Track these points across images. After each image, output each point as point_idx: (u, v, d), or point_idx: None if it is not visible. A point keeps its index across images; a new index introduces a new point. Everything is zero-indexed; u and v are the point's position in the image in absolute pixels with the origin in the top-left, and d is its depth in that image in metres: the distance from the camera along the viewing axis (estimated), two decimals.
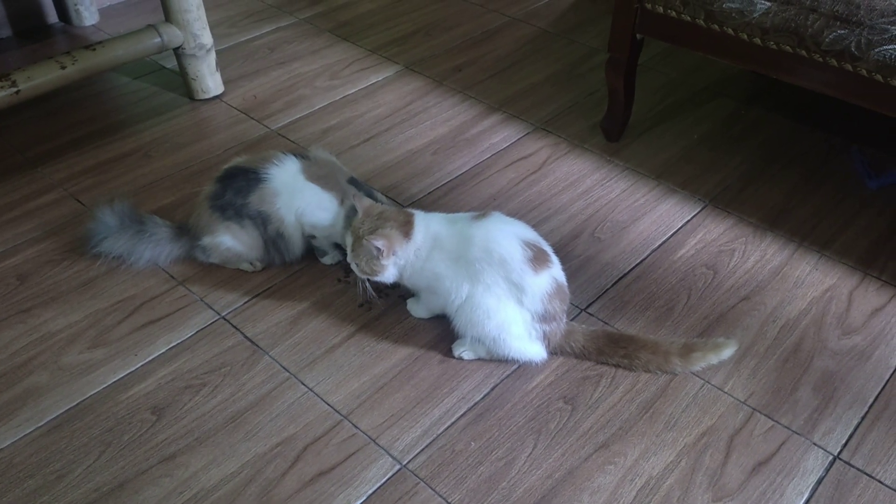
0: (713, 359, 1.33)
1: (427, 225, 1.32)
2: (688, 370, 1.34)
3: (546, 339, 1.31)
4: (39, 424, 1.26)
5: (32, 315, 1.45)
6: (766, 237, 1.63)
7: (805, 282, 1.53)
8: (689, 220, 1.68)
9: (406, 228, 1.30)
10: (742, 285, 1.52)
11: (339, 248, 1.54)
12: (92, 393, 1.32)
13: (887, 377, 1.35)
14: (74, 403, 1.30)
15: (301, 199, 1.45)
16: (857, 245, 1.61)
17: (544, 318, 1.29)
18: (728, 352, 1.34)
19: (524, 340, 1.30)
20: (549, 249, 1.33)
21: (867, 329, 1.44)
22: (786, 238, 1.63)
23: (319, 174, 1.46)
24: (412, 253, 1.30)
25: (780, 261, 1.58)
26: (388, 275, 1.31)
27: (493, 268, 1.27)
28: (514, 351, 1.31)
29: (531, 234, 1.33)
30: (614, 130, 1.89)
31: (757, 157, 1.85)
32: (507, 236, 1.29)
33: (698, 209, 1.70)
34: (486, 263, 1.27)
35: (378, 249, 1.26)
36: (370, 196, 1.45)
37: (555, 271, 1.30)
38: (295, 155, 1.49)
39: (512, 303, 1.28)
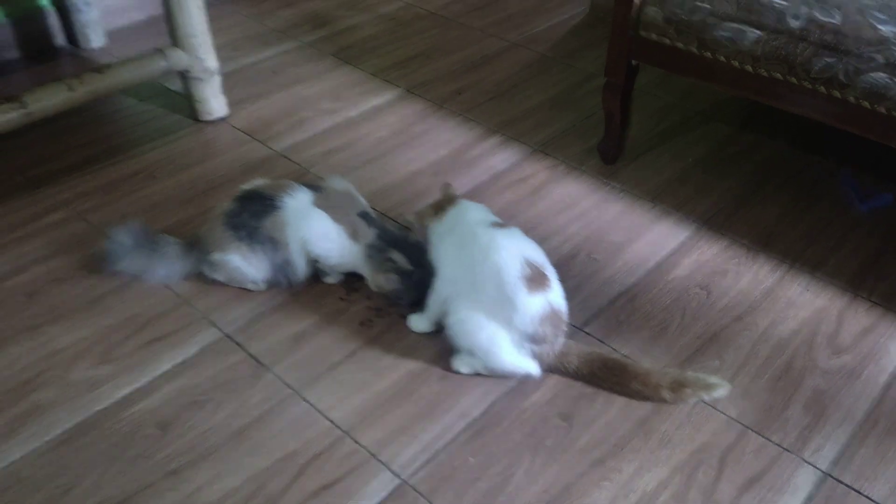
0: (704, 396, 1.34)
1: (459, 212, 1.45)
2: (678, 403, 1.36)
3: (538, 358, 1.34)
4: (46, 439, 1.29)
5: (40, 332, 1.48)
6: (758, 258, 1.67)
7: (796, 302, 1.57)
8: (683, 242, 1.72)
9: (442, 210, 1.46)
10: (735, 305, 1.56)
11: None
12: (98, 408, 1.34)
13: (876, 395, 1.38)
14: (81, 419, 1.32)
15: (307, 230, 1.48)
16: (847, 266, 1.65)
17: (534, 338, 1.32)
18: (720, 392, 1.33)
19: (514, 355, 1.33)
20: (551, 275, 1.36)
21: (857, 348, 1.47)
22: (778, 259, 1.66)
23: (330, 205, 1.49)
24: (437, 231, 1.45)
25: (771, 281, 1.61)
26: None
27: (487, 275, 1.31)
28: (507, 364, 1.34)
29: (538, 257, 1.36)
30: (610, 153, 1.93)
31: (750, 180, 1.89)
32: (509, 249, 1.33)
33: (692, 231, 1.74)
34: (482, 268, 1.32)
35: (414, 219, 1.51)
36: (382, 229, 1.48)
37: (552, 296, 1.33)
38: (309, 187, 1.53)
39: (497, 316, 1.31)
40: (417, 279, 1.45)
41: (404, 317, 1.51)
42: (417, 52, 2.45)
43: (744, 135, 2.06)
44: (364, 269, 1.49)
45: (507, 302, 1.30)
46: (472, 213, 1.45)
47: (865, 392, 1.39)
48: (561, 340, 1.36)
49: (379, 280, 1.45)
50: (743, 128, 2.09)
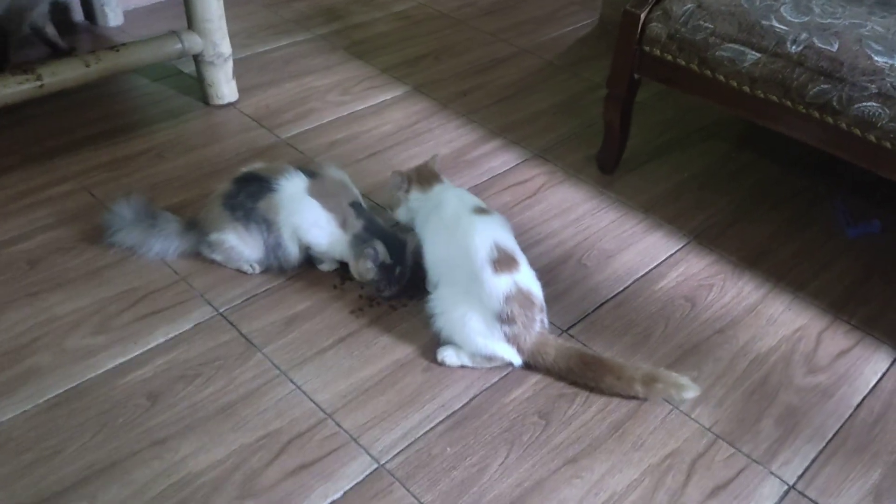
0: (674, 393, 1.38)
1: (444, 191, 1.55)
2: (649, 398, 1.40)
3: (512, 342, 1.39)
4: (39, 402, 1.33)
5: (40, 298, 1.52)
6: (744, 275, 1.70)
7: (777, 320, 1.60)
8: (672, 254, 1.75)
9: (428, 184, 1.56)
10: (717, 319, 1.60)
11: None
12: (91, 376, 1.38)
13: (847, 415, 1.42)
14: (74, 384, 1.36)
15: (299, 216, 1.52)
16: (831, 289, 1.68)
17: (501, 318, 1.37)
18: (690, 393, 1.37)
19: (487, 337, 1.38)
20: (521, 260, 1.43)
21: (832, 369, 1.50)
22: (763, 277, 1.70)
23: (323, 192, 1.53)
24: (421, 204, 1.55)
25: (755, 298, 1.65)
26: (401, 212, 1.59)
27: (462, 256, 1.40)
28: (481, 345, 1.39)
29: (509, 244, 1.44)
30: (609, 163, 1.97)
31: (744, 199, 1.93)
32: (483, 233, 1.42)
33: (683, 244, 1.78)
34: (456, 248, 1.42)
35: (401, 179, 1.55)
36: (370, 221, 1.52)
37: (518, 277, 1.39)
38: (305, 172, 1.56)
39: (471, 295, 1.39)
40: (399, 274, 1.49)
41: (395, 308, 1.55)
42: (427, 51, 2.49)
43: (742, 154, 2.10)
44: (348, 258, 1.53)
45: (475, 281, 1.37)
46: (459, 197, 1.53)
47: (837, 411, 1.42)
48: (536, 327, 1.41)
49: (359, 268, 1.49)
50: (742, 147, 2.13)
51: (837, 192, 1.96)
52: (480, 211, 1.50)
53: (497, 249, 1.40)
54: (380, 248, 1.47)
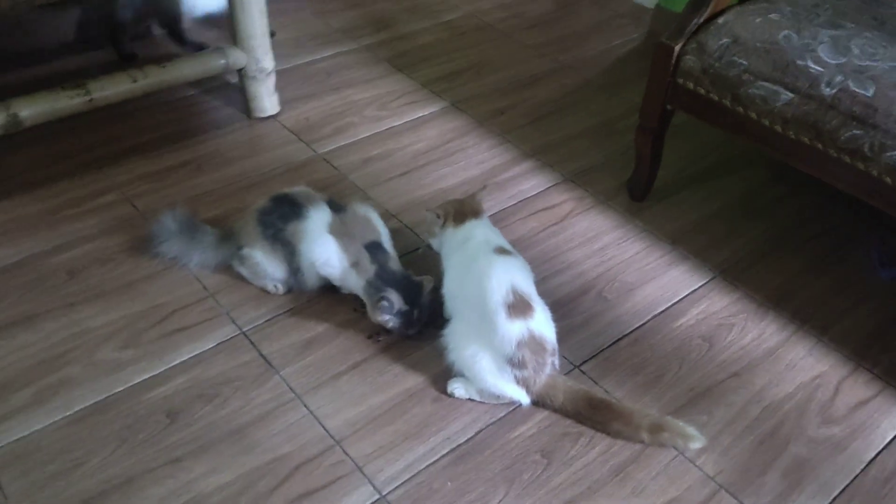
0: (680, 443, 1.39)
1: (475, 227, 1.54)
2: (654, 445, 1.41)
3: (521, 384, 1.41)
4: (67, 413, 1.41)
5: (76, 310, 1.61)
6: (767, 316, 1.68)
7: (797, 365, 1.58)
8: (695, 290, 1.74)
9: (463, 218, 1.55)
10: (734, 361, 1.58)
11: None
12: (118, 390, 1.46)
13: (857, 471, 1.40)
14: (101, 398, 1.44)
15: (315, 251, 1.56)
16: (854, 334, 1.65)
17: (513, 362, 1.38)
18: (696, 444, 1.38)
19: (497, 377, 1.40)
20: (537, 305, 1.42)
21: (848, 420, 1.48)
22: (787, 319, 1.68)
23: (343, 231, 1.57)
24: (452, 237, 1.55)
25: (776, 341, 1.63)
26: (434, 242, 1.61)
27: (477, 296, 1.41)
28: (490, 384, 1.41)
29: (527, 288, 1.43)
30: (639, 191, 1.96)
31: (774, 234, 1.90)
32: (500, 276, 1.41)
33: (707, 279, 1.76)
34: (472, 287, 1.42)
35: (437, 217, 1.57)
36: (382, 266, 1.54)
37: (533, 324, 1.39)
38: (333, 206, 1.60)
39: (483, 335, 1.40)
40: (417, 317, 1.53)
41: (410, 336, 1.58)
42: (468, 65, 2.50)
43: (777, 186, 2.06)
44: (365, 301, 1.57)
45: (488, 323, 1.38)
46: (485, 235, 1.54)
47: (848, 466, 1.40)
48: (546, 370, 1.42)
49: (377, 318, 1.53)
50: (780, 175, 2.08)
51: (875, 230, 1.91)
52: (502, 251, 1.49)
53: (513, 294, 1.39)
54: (394, 297, 1.50)
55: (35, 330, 1.56)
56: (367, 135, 2.17)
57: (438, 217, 1.57)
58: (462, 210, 1.58)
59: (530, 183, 2.03)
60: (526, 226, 1.89)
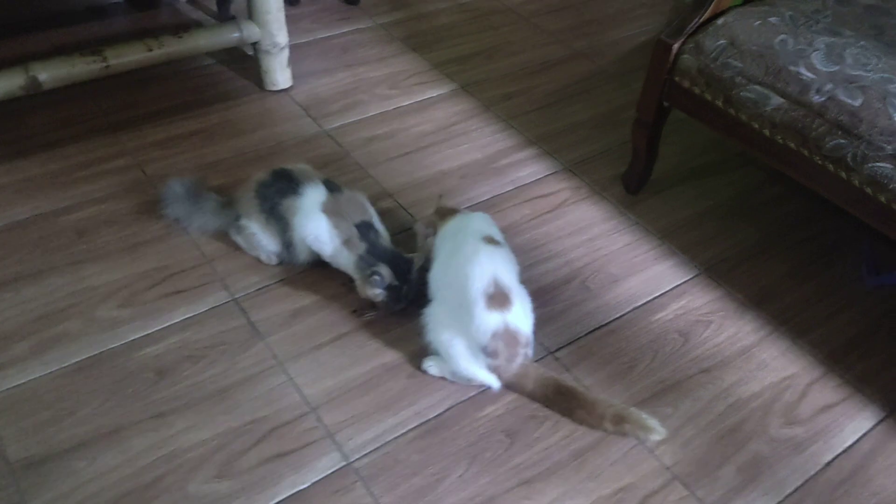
0: (641, 435, 1.44)
1: (464, 217, 1.60)
2: (615, 435, 1.46)
3: (493, 371, 1.46)
4: (63, 365, 1.50)
5: (80, 268, 1.70)
6: (746, 315, 1.71)
7: (769, 366, 1.61)
8: (678, 285, 1.77)
9: (449, 215, 1.62)
10: (706, 357, 1.62)
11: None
12: (112, 346, 1.55)
13: (812, 473, 1.43)
14: (95, 353, 1.53)
15: (307, 227, 1.62)
16: (833, 339, 1.68)
17: (486, 351, 1.43)
18: (656, 437, 1.43)
19: (470, 362, 1.46)
20: (516, 299, 1.46)
21: (811, 423, 1.52)
22: (765, 320, 1.71)
23: (335, 210, 1.62)
24: (443, 233, 1.59)
25: (752, 341, 1.66)
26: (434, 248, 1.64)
27: (458, 283, 1.45)
28: (463, 368, 1.47)
29: (509, 281, 1.47)
30: (633, 184, 1.99)
31: (764, 234, 1.92)
32: (483, 266, 1.45)
33: (690, 276, 1.80)
34: (455, 273, 1.47)
35: (426, 226, 1.65)
36: (373, 244, 1.60)
37: (510, 317, 1.44)
38: (328, 185, 1.66)
39: (460, 321, 1.45)
40: (405, 292, 1.58)
41: (395, 312, 1.64)
42: (482, 48, 2.53)
43: (773, 186, 2.07)
44: (353, 276, 1.63)
45: (467, 311, 1.43)
46: (474, 224, 1.58)
47: (804, 467, 1.44)
48: (519, 361, 1.47)
49: (367, 293, 1.59)
50: (775, 179, 2.10)
51: (864, 238, 1.92)
52: (490, 241, 1.52)
53: (495, 285, 1.43)
54: (384, 271, 1.56)
55: (40, 285, 1.65)
56: (375, 113, 2.22)
57: (427, 226, 1.63)
58: (442, 213, 1.63)
59: (529, 170, 2.06)
60: (519, 212, 1.93)
